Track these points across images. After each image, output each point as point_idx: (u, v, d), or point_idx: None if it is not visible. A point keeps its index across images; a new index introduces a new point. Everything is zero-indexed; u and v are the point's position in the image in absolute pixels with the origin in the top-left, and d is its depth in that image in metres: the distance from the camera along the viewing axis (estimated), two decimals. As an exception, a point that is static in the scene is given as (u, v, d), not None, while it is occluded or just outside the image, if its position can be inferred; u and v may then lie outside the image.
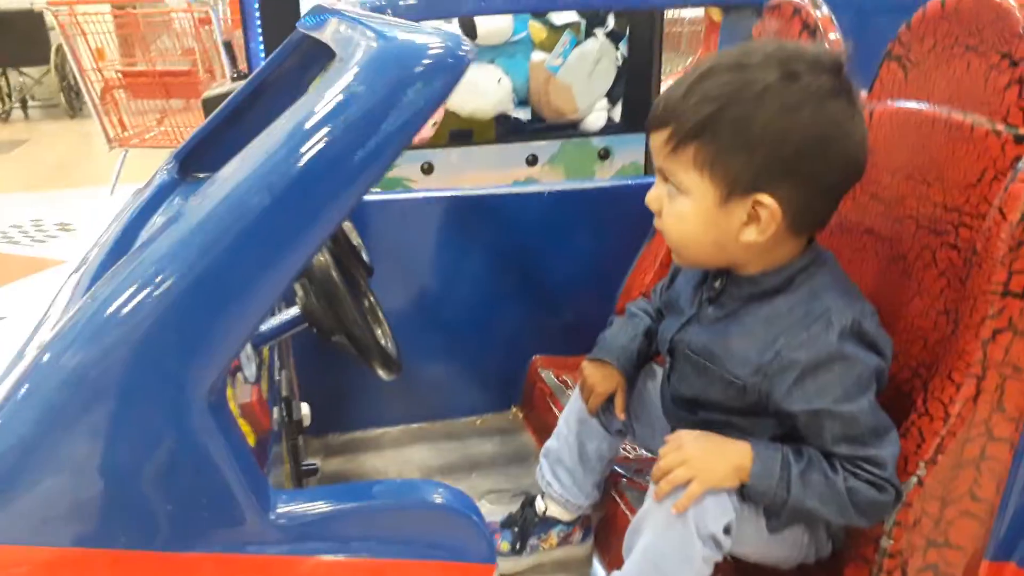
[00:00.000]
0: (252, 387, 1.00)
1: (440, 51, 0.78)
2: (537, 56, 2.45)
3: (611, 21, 2.53)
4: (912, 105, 1.14)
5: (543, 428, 1.53)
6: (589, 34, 2.50)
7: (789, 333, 0.97)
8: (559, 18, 2.46)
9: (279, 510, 0.80)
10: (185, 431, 0.74)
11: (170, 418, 0.74)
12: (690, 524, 0.97)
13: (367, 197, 1.56)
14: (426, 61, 0.78)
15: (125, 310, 0.73)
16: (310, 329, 1.06)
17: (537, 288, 1.76)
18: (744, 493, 0.99)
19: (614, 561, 1.23)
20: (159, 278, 0.73)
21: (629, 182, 1.95)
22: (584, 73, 2.46)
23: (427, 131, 2.36)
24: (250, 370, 1.00)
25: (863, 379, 0.95)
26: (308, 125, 0.76)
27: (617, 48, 2.49)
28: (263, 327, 1.06)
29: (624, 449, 1.39)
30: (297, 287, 1.05)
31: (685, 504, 0.97)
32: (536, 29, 2.47)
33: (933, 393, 1.01)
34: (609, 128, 2.56)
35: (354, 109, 0.77)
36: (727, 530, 0.98)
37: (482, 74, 2.41)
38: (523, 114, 2.52)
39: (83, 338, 0.73)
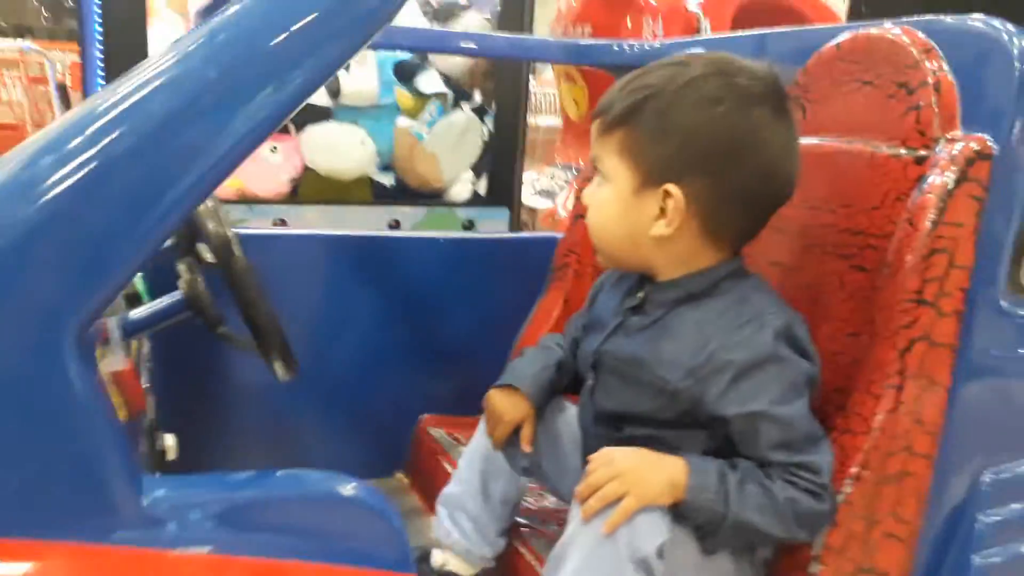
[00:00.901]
0: (127, 359, 0.83)
1: None
2: (403, 122, 2.43)
3: (478, 96, 2.57)
4: (813, 141, 1.18)
5: (433, 491, 1.40)
6: (456, 107, 2.51)
7: (722, 335, 0.94)
8: (426, 86, 2.46)
9: (154, 495, 0.66)
10: (47, 371, 0.59)
11: (31, 352, 0.59)
12: (621, 546, 0.89)
13: (243, 230, 1.42)
14: None
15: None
16: (194, 318, 0.91)
17: (427, 342, 1.66)
18: (680, 511, 0.92)
19: (521, 619, 1.11)
20: (35, 187, 0.61)
21: (524, 236, 1.93)
22: (450, 143, 2.46)
23: (283, 187, 2.24)
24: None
25: (798, 383, 0.93)
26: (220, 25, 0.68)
27: (483, 123, 2.52)
28: (135, 314, 0.91)
29: (526, 501, 1.29)
30: (183, 270, 0.91)
31: (617, 521, 0.89)
32: (403, 96, 2.45)
33: (853, 409, 1.00)
34: (474, 200, 2.55)
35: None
36: (660, 553, 0.90)
37: (345, 134, 2.35)
38: (387, 179, 2.47)
39: None
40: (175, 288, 0.94)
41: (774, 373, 0.92)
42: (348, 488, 0.74)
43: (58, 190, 0.62)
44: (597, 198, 1.00)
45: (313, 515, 0.73)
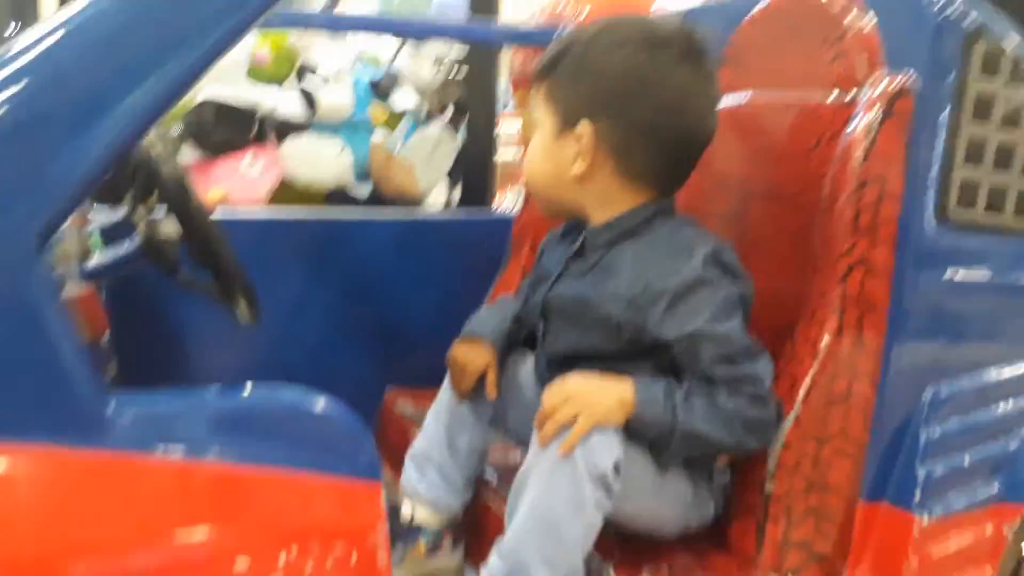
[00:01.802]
0: (87, 285, 0.86)
1: None
2: (378, 136, 2.49)
3: (450, 111, 2.64)
4: (744, 98, 1.25)
5: (401, 460, 1.43)
6: (428, 120, 2.59)
7: (656, 266, 1.00)
8: (400, 103, 2.54)
9: (120, 403, 0.68)
10: (9, 275, 0.62)
11: None
12: (579, 465, 0.92)
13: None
14: None
15: None
16: (152, 263, 0.93)
17: (389, 319, 1.69)
18: (631, 428, 0.96)
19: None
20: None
21: (481, 216, 1.98)
22: (425, 154, 2.52)
23: (260, 198, 2.29)
24: None
25: (730, 302, 0.99)
26: None
27: (456, 133, 2.59)
28: (91, 263, 0.93)
29: (493, 456, 1.32)
30: (139, 216, 0.94)
31: (572, 442, 0.92)
32: (377, 111, 2.52)
33: (799, 337, 1.05)
34: (449, 207, 2.61)
35: None
36: (616, 469, 0.94)
37: (323, 145, 2.41)
38: (363, 190, 2.52)
39: None
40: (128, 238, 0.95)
41: (706, 295, 0.97)
42: (316, 400, 0.76)
43: (7, 100, 0.64)
44: (531, 147, 1.08)
45: (280, 424, 0.74)
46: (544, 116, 1.05)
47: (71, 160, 0.65)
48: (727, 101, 1.27)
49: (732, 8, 1.31)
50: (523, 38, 2.02)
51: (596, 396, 0.95)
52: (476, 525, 1.26)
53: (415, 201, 2.55)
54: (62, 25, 0.67)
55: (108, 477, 0.66)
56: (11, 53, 0.66)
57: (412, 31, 1.86)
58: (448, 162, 2.57)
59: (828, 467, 1.02)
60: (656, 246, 1.02)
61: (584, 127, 1.01)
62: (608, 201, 1.05)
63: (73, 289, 0.81)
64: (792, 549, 1.01)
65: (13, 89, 0.64)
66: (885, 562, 1.06)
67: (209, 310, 1.21)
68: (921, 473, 1.05)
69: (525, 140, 3.49)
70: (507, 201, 3.56)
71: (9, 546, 0.62)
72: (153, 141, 0.93)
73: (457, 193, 2.66)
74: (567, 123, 1.02)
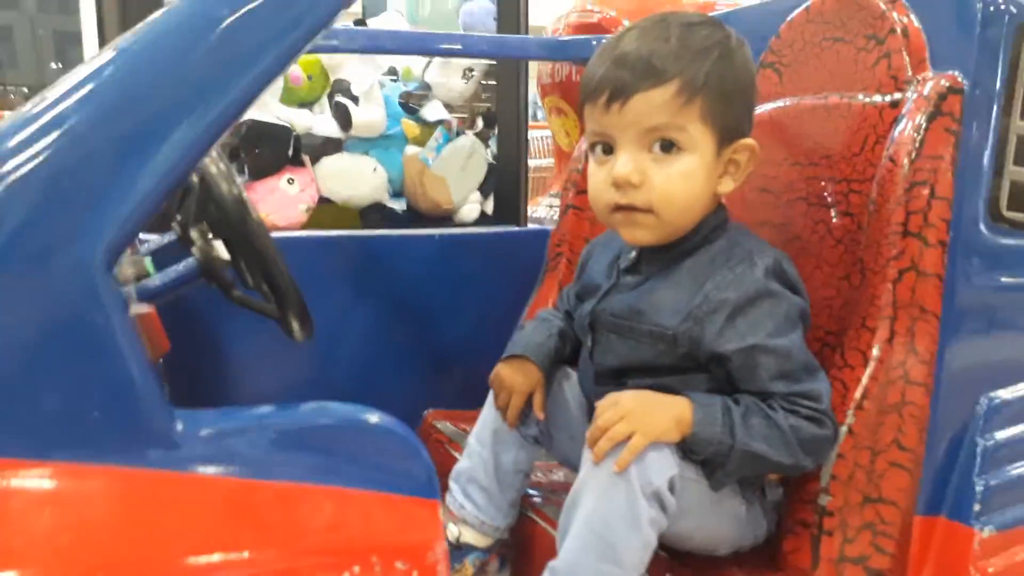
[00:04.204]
0: (150, 305, 0.87)
1: None
2: (411, 150, 2.50)
3: (480, 123, 2.64)
4: (790, 102, 1.23)
5: (443, 480, 1.42)
6: (460, 132, 2.59)
7: (715, 277, 0.97)
8: (431, 115, 2.54)
9: (186, 422, 0.68)
10: (80, 296, 0.63)
11: (64, 277, 0.62)
12: (634, 482, 0.90)
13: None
14: None
15: (23, 145, 0.64)
16: (209, 283, 0.95)
17: (427, 339, 1.69)
18: (687, 446, 0.94)
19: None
20: (63, 116, 0.65)
21: (516, 230, 1.97)
22: (457, 167, 2.52)
23: (299, 216, 2.30)
24: None
25: (791, 316, 0.96)
26: None
27: (487, 147, 2.58)
28: (151, 282, 0.94)
29: (536, 475, 1.30)
30: (196, 236, 0.95)
31: (628, 459, 0.90)
32: (409, 125, 2.52)
33: (850, 344, 1.02)
34: (482, 220, 2.60)
35: None
36: (671, 487, 0.92)
37: (357, 163, 2.42)
38: (398, 205, 2.52)
39: None
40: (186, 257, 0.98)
41: (767, 307, 0.95)
42: (374, 417, 0.76)
43: (78, 124, 0.66)
44: (678, 170, 0.96)
45: (339, 442, 0.75)
46: (703, 136, 0.96)
47: (137, 181, 0.67)
48: (769, 106, 1.26)
49: (769, 10, 1.29)
50: (558, 51, 2.01)
51: (653, 414, 0.93)
52: (522, 545, 1.25)
53: (449, 213, 2.55)
54: (126, 53, 0.69)
55: (177, 495, 0.68)
56: (77, 81, 0.68)
57: (444, 50, 1.85)
58: (480, 173, 2.57)
59: (883, 479, 0.99)
60: (715, 257, 0.99)
61: (745, 144, 0.99)
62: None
63: (137, 309, 0.82)
64: (848, 565, 0.99)
65: (82, 114, 0.66)
66: (945, 578, 1.03)
67: (249, 328, 1.21)
68: (979, 485, 1.01)
69: (557, 149, 3.48)
70: (539, 211, 3.56)
71: (82, 566, 0.62)
72: (208, 162, 0.94)
73: (490, 204, 2.67)
74: (725, 142, 0.98)
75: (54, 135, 0.65)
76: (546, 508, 1.22)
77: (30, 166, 0.64)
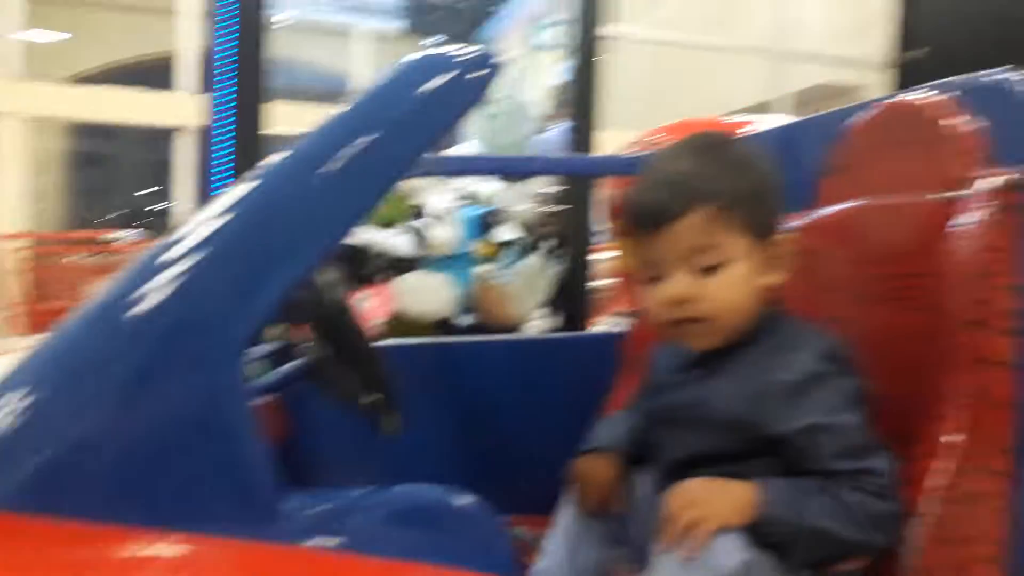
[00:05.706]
0: (268, 396, 0.95)
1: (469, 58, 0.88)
2: (482, 268, 2.61)
3: (548, 244, 2.76)
4: (855, 204, 1.27)
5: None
6: (530, 251, 2.70)
7: (774, 363, 1.01)
8: (503, 235, 2.67)
9: (292, 501, 0.75)
10: (214, 383, 0.71)
11: (201, 364, 0.71)
12: (705, 567, 0.91)
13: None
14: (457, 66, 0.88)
15: (170, 257, 0.76)
16: (312, 382, 1.03)
17: (499, 445, 1.71)
18: (756, 530, 0.94)
19: None
20: (204, 230, 0.78)
21: (586, 334, 2.01)
22: (526, 284, 2.62)
23: (377, 328, 2.41)
24: None
25: (849, 396, 0.99)
26: (345, 123, 0.84)
27: (554, 263, 2.69)
28: (262, 381, 1.03)
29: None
30: (298, 345, 1.04)
31: (697, 545, 0.91)
32: (482, 245, 2.66)
33: (922, 437, 1.02)
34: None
35: (391, 109, 0.84)
36: (745, 571, 0.91)
37: (431, 280, 2.54)
38: (467, 320, 2.62)
39: (124, 290, 0.76)
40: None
41: (824, 388, 0.98)
42: (459, 499, 0.82)
43: (225, 238, 0.79)
44: (726, 282, 1.02)
45: (427, 521, 0.81)
46: (745, 247, 1.02)
47: (270, 284, 0.77)
48: (833, 208, 1.31)
49: (825, 122, 1.36)
50: (615, 167, 2.10)
51: (720, 499, 0.95)
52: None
53: (515, 328, 2.63)
54: (266, 182, 0.82)
55: (282, 566, 0.73)
56: (218, 210, 0.80)
57: (519, 168, 1.97)
58: (547, 291, 2.66)
59: (968, 574, 0.96)
60: (772, 345, 1.03)
61: (782, 238, 1.06)
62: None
63: (260, 399, 0.91)
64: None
65: (218, 243, 0.78)
66: None
67: (344, 423, 1.28)
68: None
69: (623, 269, 3.56)
70: (600, 328, 3.62)
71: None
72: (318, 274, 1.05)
73: (555, 320, 2.74)
74: (760, 243, 1.03)
75: (206, 252, 0.77)
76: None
77: (189, 276, 0.76)
